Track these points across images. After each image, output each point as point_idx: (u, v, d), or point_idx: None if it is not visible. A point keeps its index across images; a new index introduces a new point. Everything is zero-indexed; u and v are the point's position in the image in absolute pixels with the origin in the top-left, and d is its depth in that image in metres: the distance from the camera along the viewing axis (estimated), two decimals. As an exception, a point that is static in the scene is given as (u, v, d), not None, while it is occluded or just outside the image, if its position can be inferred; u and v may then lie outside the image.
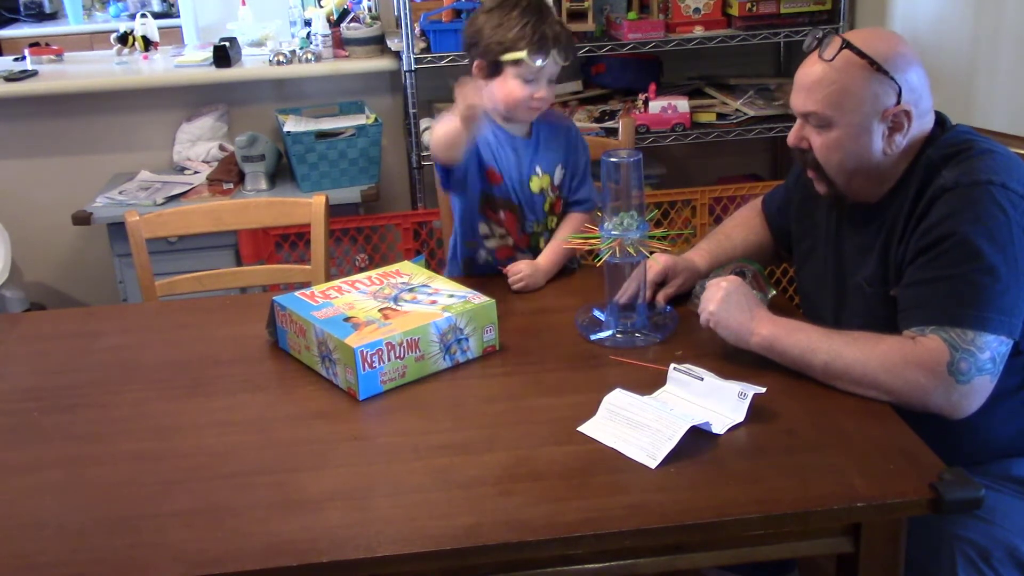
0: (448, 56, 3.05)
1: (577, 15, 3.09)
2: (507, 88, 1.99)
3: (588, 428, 1.41)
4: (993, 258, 1.42)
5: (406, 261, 1.93)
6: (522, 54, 1.94)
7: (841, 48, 1.51)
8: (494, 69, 1.99)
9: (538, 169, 2.07)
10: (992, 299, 1.42)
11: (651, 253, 1.71)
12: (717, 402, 1.44)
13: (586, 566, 1.26)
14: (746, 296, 1.58)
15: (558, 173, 2.09)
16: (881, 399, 1.45)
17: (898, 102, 1.51)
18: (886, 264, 1.57)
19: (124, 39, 3.56)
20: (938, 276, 1.47)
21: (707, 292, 1.60)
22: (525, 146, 2.07)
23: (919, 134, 1.57)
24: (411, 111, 3.12)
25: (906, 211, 1.52)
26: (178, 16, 4.35)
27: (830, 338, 1.49)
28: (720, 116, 3.30)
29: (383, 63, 3.31)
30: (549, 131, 2.10)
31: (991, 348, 1.42)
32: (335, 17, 3.43)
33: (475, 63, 2.02)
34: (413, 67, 3.06)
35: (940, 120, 1.60)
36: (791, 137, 1.61)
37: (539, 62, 1.94)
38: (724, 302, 1.56)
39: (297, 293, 1.73)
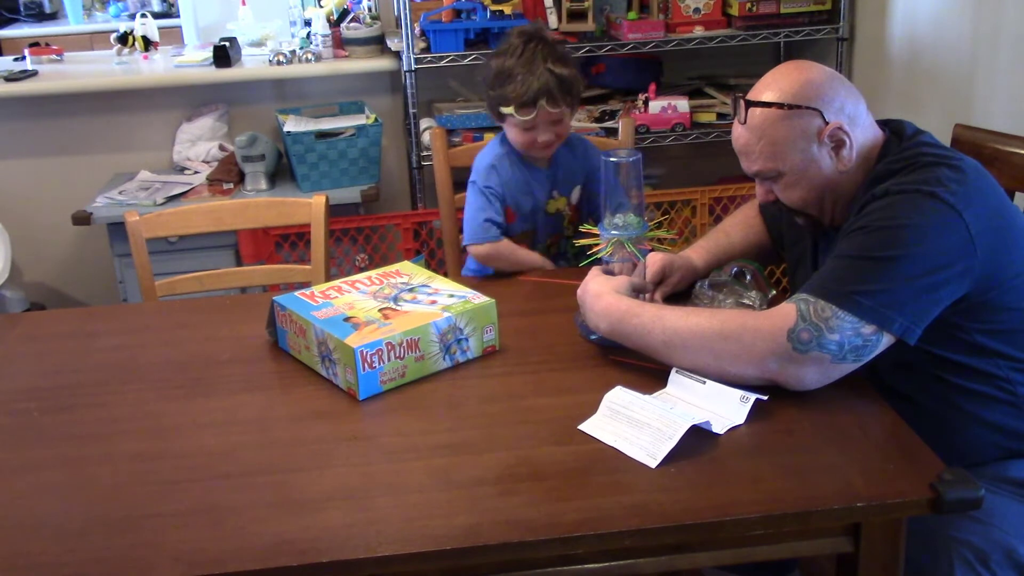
0: (448, 56, 3.05)
1: (577, 15, 3.10)
2: (511, 133, 2.06)
3: (588, 426, 1.41)
4: (890, 251, 1.41)
5: (406, 261, 1.93)
6: (510, 109, 1.99)
7: (748, 108, 1.55)
8: (499, 115, 2.05)
9: (555, 193, 2.13)
10: (869, 286, 1.39)
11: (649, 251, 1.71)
12: (718, 405, 1.43)
13: (586, 566, 1.26)
14: (589, 295, 1.61)
15: (575, 193, 2.16)
16: (723, 376, 1.44)
17: (826, 122, 1.53)
18: None
19: (124, 39, 3.56)
20: (833, 257, 1.47)
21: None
22: (544, 179, 2.12)
23: (871, 143, 1.58)
24: (411, 111, 3.12)
25: (848, 223, 1.52)
26: (178, 16, 4.34)
27: (663, 316, 1.50)
28: (720, 116, 3.31)
29: (383, 63, 3.32)
30: (567, 155, 2.14)
31: (842, 332, 1.39)
32: (335, 17, 3.43)
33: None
34: (413, 67, 3.07)
35: (897, 130, 1.60)
36: (759, 197, 1.66)
37: (526, 116, 1.98)
38: (590, 313, 1.61)
39: (297, 293, 1.73)
